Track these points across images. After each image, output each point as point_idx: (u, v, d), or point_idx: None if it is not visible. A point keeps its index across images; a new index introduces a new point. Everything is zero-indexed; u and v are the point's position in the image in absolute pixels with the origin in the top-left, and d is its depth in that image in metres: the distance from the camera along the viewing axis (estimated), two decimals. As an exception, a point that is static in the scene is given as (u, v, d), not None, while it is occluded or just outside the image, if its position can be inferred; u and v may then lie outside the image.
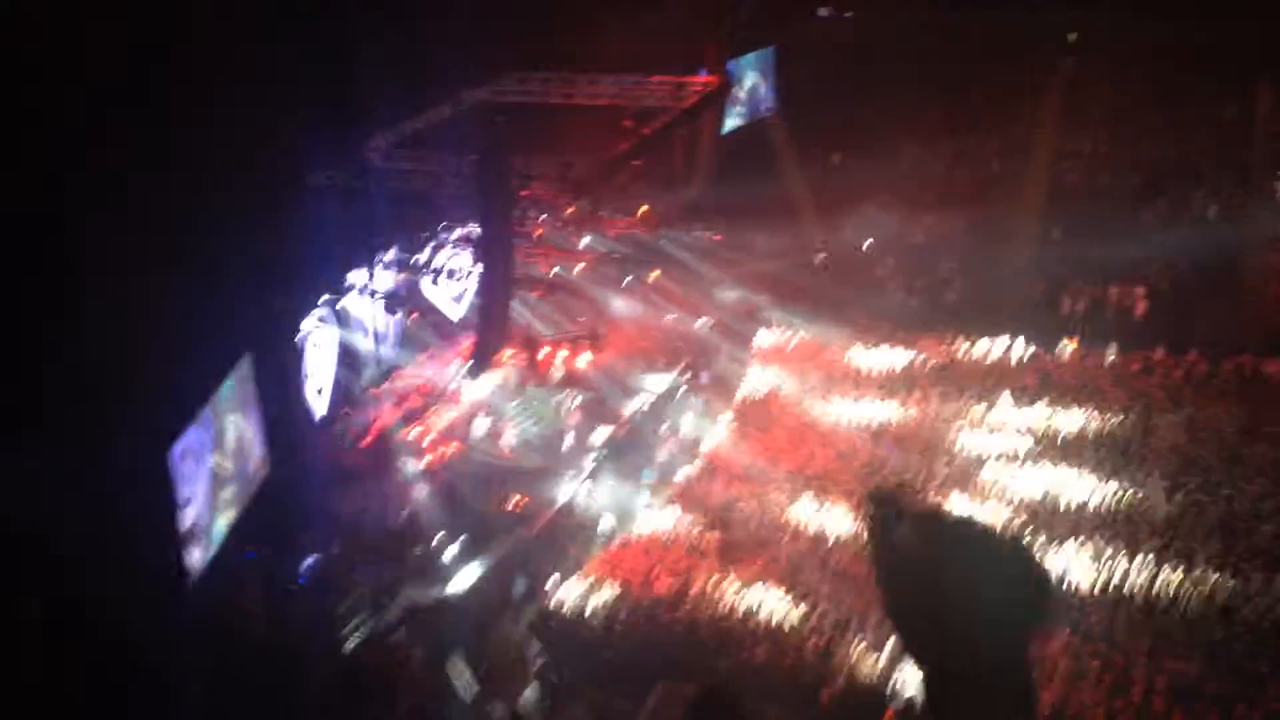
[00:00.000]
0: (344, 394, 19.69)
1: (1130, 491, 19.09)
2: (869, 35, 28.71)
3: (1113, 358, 23.68)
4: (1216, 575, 16.60)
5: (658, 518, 19.32)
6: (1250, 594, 16.39)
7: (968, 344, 24.68)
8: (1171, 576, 16.80)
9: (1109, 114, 28.32)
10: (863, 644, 15.69)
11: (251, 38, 16.06)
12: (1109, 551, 17.51)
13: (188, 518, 14.56)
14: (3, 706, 12.21)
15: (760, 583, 17.16)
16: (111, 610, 13.08)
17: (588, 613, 16.79)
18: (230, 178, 15.60)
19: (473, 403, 21.76)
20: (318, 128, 18.28)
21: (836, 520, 18.76)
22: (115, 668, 12.82)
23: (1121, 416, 21.56)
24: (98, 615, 13.00)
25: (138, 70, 13.60)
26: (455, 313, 22.07)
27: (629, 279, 25.97)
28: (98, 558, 13.00)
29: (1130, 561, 17.27)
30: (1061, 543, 17.73)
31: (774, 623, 16.42)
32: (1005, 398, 22.29)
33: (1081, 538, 17.86)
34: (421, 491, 18.87)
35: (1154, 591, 16.66)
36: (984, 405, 22.26)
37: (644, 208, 26.44)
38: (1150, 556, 17.26)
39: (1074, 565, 17.19)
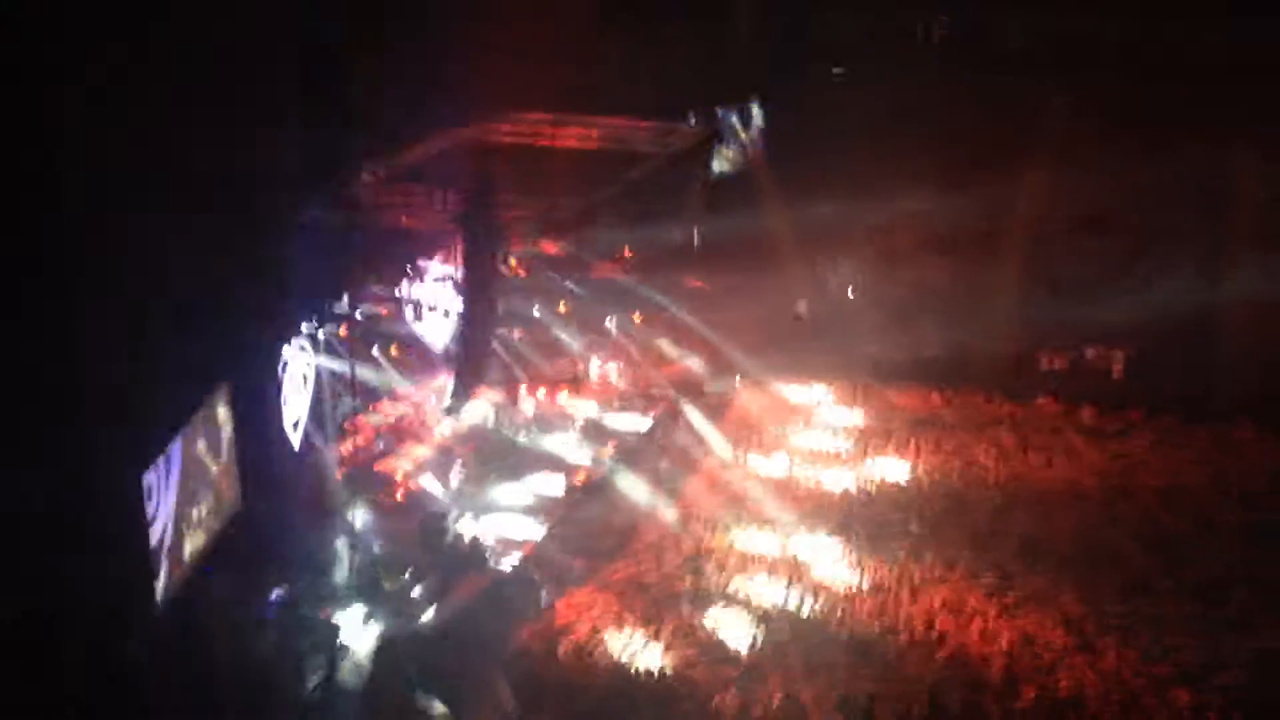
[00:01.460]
0: (321, 426, 19.59)
1: (1103, 551, 19.19)
2: (860, 91, 28.98)
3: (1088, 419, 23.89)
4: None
5: (627, 563, 19.26)
6: (1223, 659, 16.46)
7: (943, 397, 24.88)
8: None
9: (1093, 175, 28.59)
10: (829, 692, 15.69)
11: (239, 69, 16.15)
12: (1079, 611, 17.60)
13: (156, 543, 14.47)
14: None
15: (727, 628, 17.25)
16: (79, 632, 12.98)
17: (558, 653, 16.70)
18: (215, 207, 15.64)
19: (447, 438, 21.69)
20: (305, 160, 18.33)
21: (809, 569, 18.74)
22: (82, 688, 12.70)
23: (1097, 479, 21.69)
24: (65, 636, 12.89)
25: (125, 100, 13.66)
26: (436, 347, 22.04)
27: (610, 321, 26.04)
28: (67, 580, 12.91)
29: (1101, 620, 17.35)
30: (1027, 601, 17.77)
31: (740, 670, 16.36)
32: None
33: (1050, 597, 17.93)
34: (395, 526, 18.75)
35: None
36: (959, 460, 22.40)
37: (627, 252, 26.57)
38: (1118, 622, 17.32)
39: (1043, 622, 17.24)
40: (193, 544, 15.47)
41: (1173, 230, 26.57)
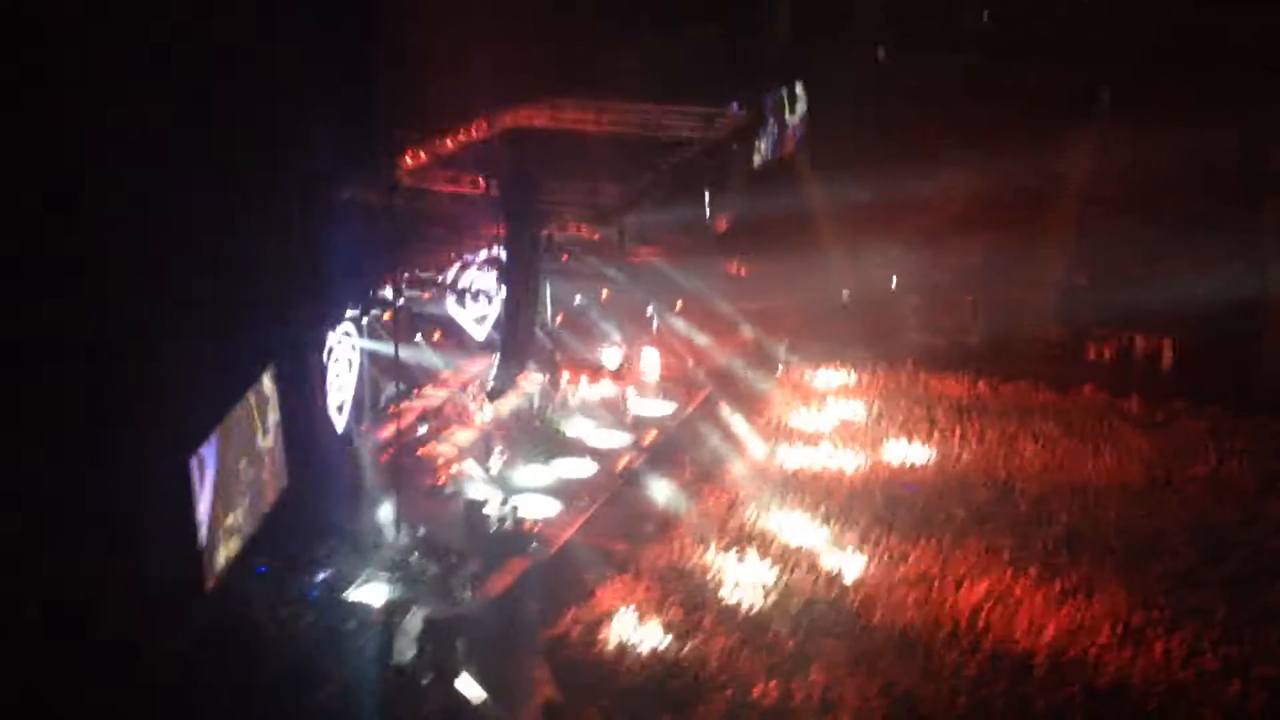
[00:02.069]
0: (364, 410, 19.70)
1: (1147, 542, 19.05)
2: (903, 75, 28.82)
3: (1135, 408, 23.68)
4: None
5: (672, 547, 19.27)
6: (1267, 652, 16.32)
7: (987, 385, 24.74)
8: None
9: (1138, 164, 28.31)
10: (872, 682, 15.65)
11: (287, 53, 16.20)
12: (1125, 602, 17.48)
13: (203, 527, 14.60)
14: (14, 712, 12.25)
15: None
16: (125, 616, 13.12)
17: (599, 639, 16.73)
18: (260, 191, 15.75)
19: (489, 423, 21.75)
20: (350, 146, 18.39)
21: (852, 559, 18.72)
22: (127, 674, 12.84)
23: (1142, 469, 21.51)
24: (111, 620, 13.04)
25: (174, 85, 13.76)
26: (478, 333, 22.10)
27: (652, 308, 26.00)
28: (113, 564, 13.06)
29: (1147, 612, 17.22)
30: (1072, 592, 17.68)
31: (782, 658, 16.36)
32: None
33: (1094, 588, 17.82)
34: (438, 510, 18.83)
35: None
36: (1003, 449, 22.26)
37: (670, 238, 26.51)
38: (1162, 614, 17.20)
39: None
40: (237, 528, 15.59)
41: (1220, 219, 26.24)
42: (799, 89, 28.64)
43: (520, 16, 23.26)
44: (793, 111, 28.71)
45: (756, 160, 27.85)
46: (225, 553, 15.23)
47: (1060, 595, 17.74)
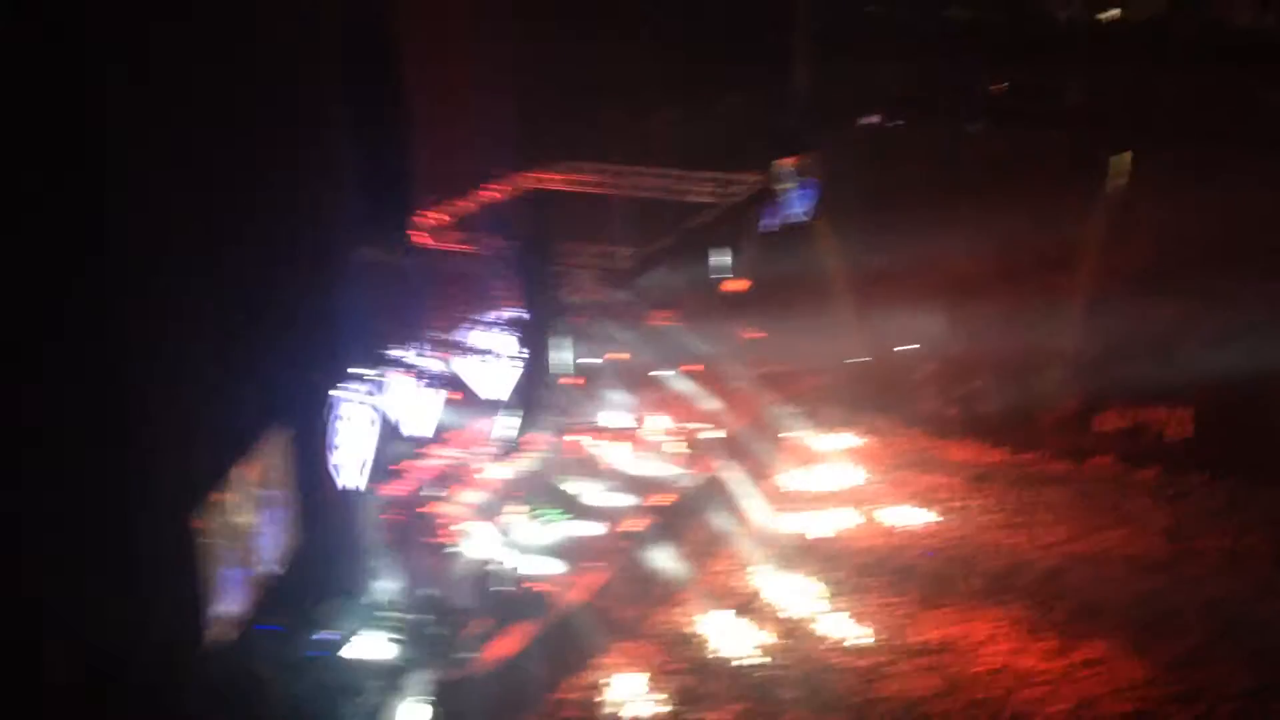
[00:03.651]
0: (376, 468, 19.65)
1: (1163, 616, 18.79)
2: (920, 143, 28.98)
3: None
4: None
5: (679, 611, 19.10)
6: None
7: (1001, 454, 24.60)
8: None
9: (1158, 234, 28.31)
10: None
11: (304, 111, 16.39)
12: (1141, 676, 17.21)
13: (206, 584, 14.53)
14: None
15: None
16: (128, 673, 13.03)
17: (605, 703, 16.53)
18: (277, 248, 15.83)
19: (498, 483, 21.66)
20: (367, 204, 18.53)
21: (862, 626, 18.48)
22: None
23: (1158, 541, 21.28)
24: (114, 675, 12.94)
25: (193, 140, 13.89)
26: (490, 393, 22.08)
27: (665, 371, 25.96)
28: (118, 620, 12.99)
29: (1162, 687, 16.96)
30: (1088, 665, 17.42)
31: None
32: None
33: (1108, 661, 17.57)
34: (444, 570, 18.70)
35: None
36: (1018, 518, 22.08)
37: (683, 300, 26.53)
38: (1178, 689, 16.92)
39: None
40: (244, 583, 15.52)
41: (1240, 290, 26.13)
42: (811, 156, 28.73)
43: (540, 84, 23.62)
44: (805, 179, 28.79)
45: (771, 226, 27.94)
46: (228, 609, 15.15)
47: (1073, 668, 17.49)
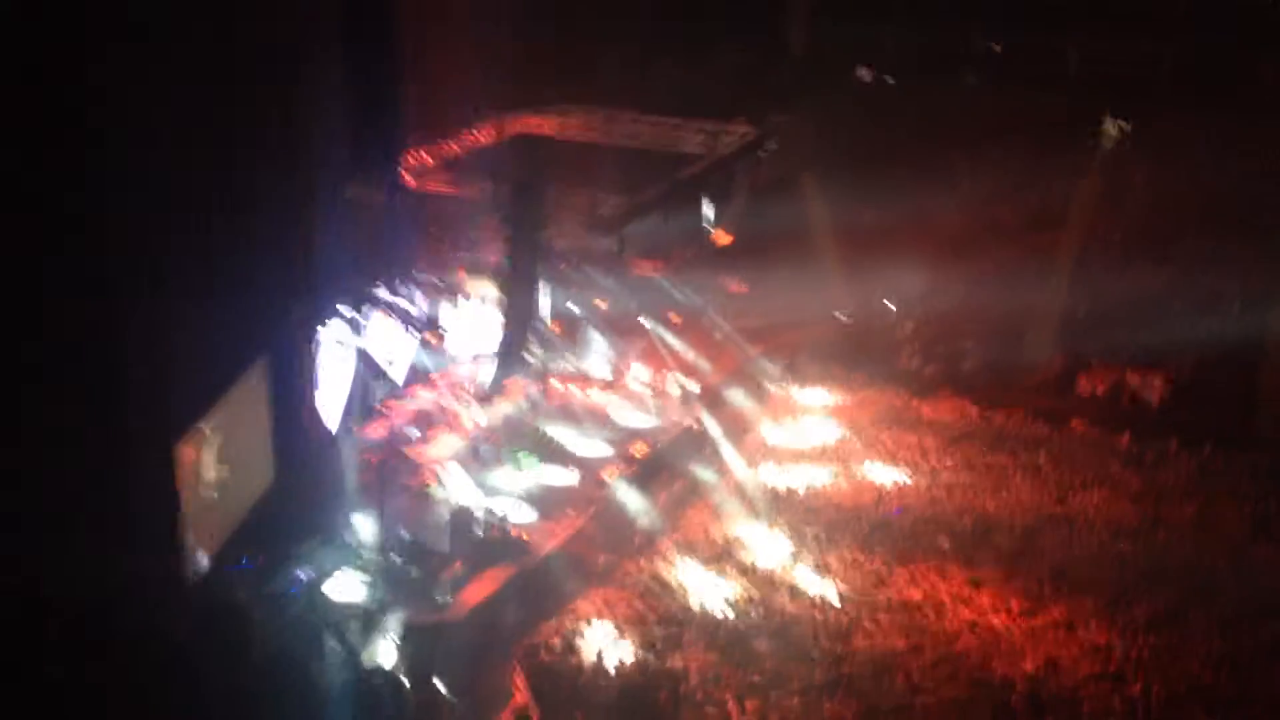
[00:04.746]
0: (354, 408, 19.64)
1: (1134, 579, 18.99)
2: (911, 100, 28.86)
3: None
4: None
5: (654, 560, 19.23)
6: (1250, 695, 16.26)
7: (980, 414, 24.70)
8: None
9: (1144, 199, 28.34)
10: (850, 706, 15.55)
11: (293, 45, 16.20)
12: (1108, 639, 17.43)
13: (186, 517, 14.53)
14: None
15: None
16: (108, 608, 13.04)
17: (577, 650, 16.66)
18: (263, 183, 15.70)
19: (479, 426, 21.68)
20: (356, 142, 18.38)
21: (834, 581, 18.64)
22: (111, 664, 12.76)
23: (1131, 506, 21.45)
24: (94, 610, 12.96)
25: (178, 71, 13.69)
26: (473, 337, 22.06)
27: (647, 321, 25.96)
28: (97, 554, 12.99)
29: (1130, 650, 17.17)
30: (1055, 626, 17.62)
31: (762, 677, 16.28)
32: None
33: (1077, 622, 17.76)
34: (422, 513, 18.76)
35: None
36: (992, 479, 22.22)
37: (670, 251, 26.50)
38: (1146, 652, 17.15)
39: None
40: (223, 521, 15.54)
41: (1224, 256, 26.20)
42: (804, 111, 28.65)
43: (535, 24, 23.37)
44: (797, 134, 28.73)
45: (761, 178, 27.89)
46: (208, 545, 15.18)
47: (1043, 628, 17.68)
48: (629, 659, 16.55)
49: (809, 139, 28.60)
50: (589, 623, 17.22)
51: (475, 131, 23.37)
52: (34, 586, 12.70)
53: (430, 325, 21.58)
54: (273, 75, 15.64)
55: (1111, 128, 29.03)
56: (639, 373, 24.73)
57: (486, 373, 21.45)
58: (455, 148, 22.75)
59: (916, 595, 18.38)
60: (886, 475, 22.37)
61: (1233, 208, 27.05)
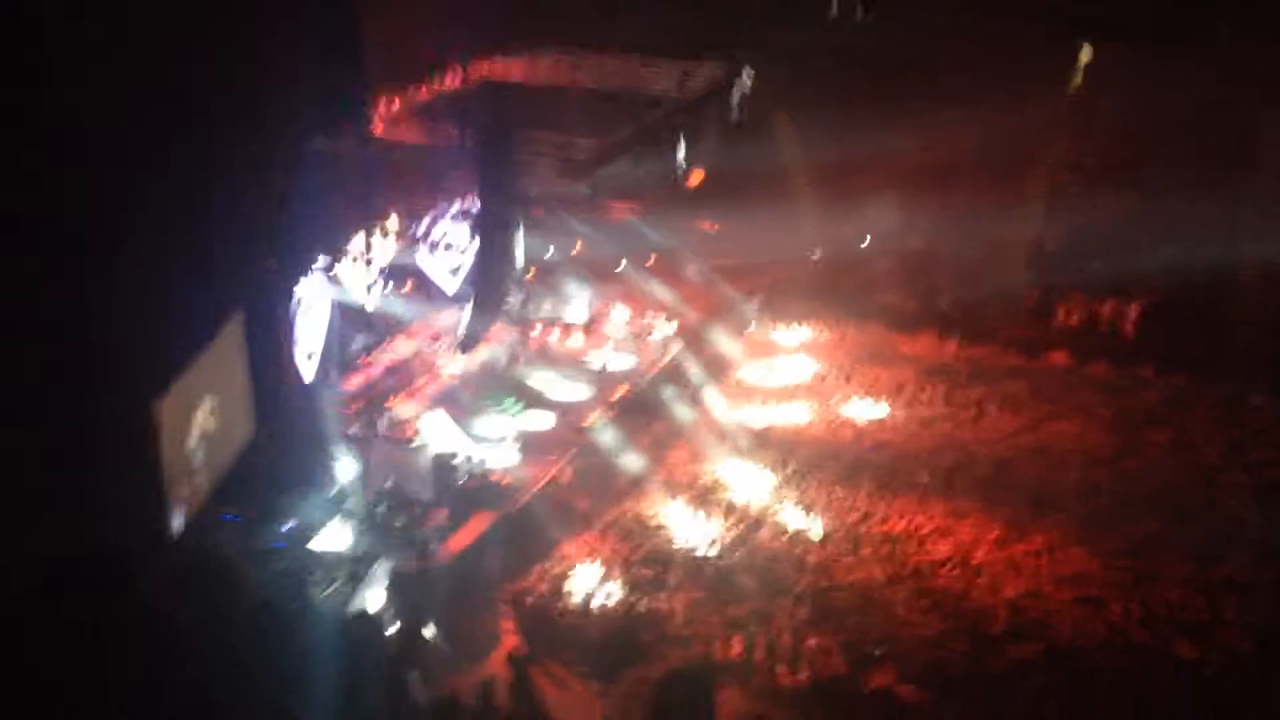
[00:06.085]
0: (333, 360, 19.59)
1: (1110, 507, 19.24)
2: (881, 35, 28.68)
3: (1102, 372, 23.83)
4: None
5: (637, 502, 19.36)
6: (1222, 618, 16.56)
7: (956, 348, 24.86)
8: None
9: (1115, 129, 28.32)
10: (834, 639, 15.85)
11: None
12: (1085, 565, 17.69)
13: (166, 474, 14.52)
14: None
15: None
16: (89, 563, 13.02)
17: (564, 592, 16.81)
18: (231, 135, 15.51)
19: (458, 375, 21.69)
20: (322, 91, 18.15)
21: (816, 518, 18.81)
22: (94, 624, 12.76)
23: (1106, 435, 21.67)
24: (75, 570, 12.94)
25: (141, 25, 13.48)
26: (450, 286, 21.99)
27: (623, 264, 25.94)
28: (77, 511, 12.96)
29: (1107, 575, 17.44)
30: (1033, 555, 17.87)
31: (746, 613, 16.50)
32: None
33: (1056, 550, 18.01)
34: (404, 462, 18.81)
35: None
36: (970, 412, 22.40)
37: (643, 193, 26.39)
38: (1127, 576, 17.40)
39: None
40: (204, 476, 15.53)
41: (1197, 187, 26.25)
42: (776, 49, 28.40)
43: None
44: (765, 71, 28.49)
45: (732, 117, 27.71)
46: (191, 501, 15.18)
47: (1022, 557, 17.92)
48: (616, 600, 16.70)
49: (780, 76, 28.36)
50: (576, 566, 17.35)
51: (444, 76, 23.09)
52: (13, 546, 12.67)
53: (407, 275, 21.49)
54: (231, 26, 15.40)
55: (1086, 55, 28.91)
56: (617, 316, 24.77)
57: (464, 321, 21.39)
58: (424, 94, 22.49)
59: (897, 528, 18.58)
60: (865, 411, 22.52)
61: (1203, 133, 27.05)
